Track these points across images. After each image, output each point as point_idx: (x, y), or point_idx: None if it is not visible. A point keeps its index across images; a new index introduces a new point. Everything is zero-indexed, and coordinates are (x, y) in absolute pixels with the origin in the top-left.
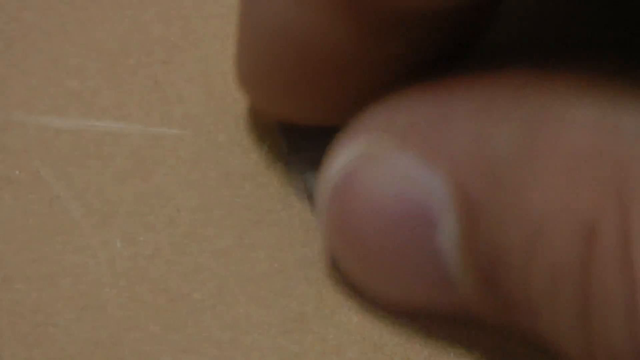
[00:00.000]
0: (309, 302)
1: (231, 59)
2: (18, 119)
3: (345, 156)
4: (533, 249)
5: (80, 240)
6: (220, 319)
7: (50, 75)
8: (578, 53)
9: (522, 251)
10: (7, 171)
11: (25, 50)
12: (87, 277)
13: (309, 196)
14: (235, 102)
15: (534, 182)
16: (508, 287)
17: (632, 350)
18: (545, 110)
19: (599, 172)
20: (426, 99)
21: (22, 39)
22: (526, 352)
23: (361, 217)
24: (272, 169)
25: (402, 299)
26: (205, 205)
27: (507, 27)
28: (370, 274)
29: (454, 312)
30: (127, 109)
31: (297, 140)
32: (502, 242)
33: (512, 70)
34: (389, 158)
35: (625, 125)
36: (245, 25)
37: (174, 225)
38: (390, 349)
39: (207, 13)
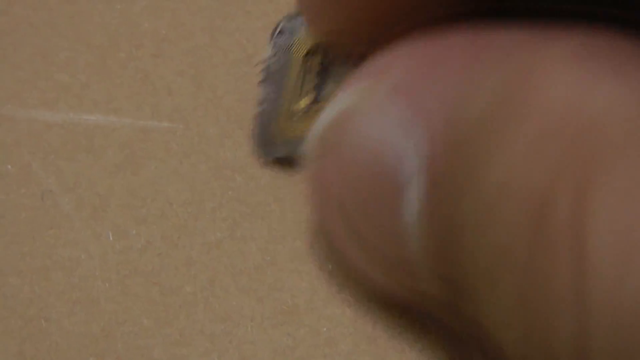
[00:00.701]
0: (301, 295)
1: (221, 52)
2: (8, 113)
3: (340, 99)
4: (485, 225)
5: (71, 233)
6: (212, 311)
7: (40, 69)
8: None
9: (475, 226)
10: None
11: (15, 44)
12: (79, 270)
13: None
14: (225, 95)
15: (499, 152)
16: (459, 267)
17: (574, 341)
18: (527, 72)
19: (563, 143)
20: (424, 48)
21: (11, 33)
22: None
23: (339, 164)
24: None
25: (367, 272)
26: (196, 198)
27: None
28: (341, 237)
29: (413, 297)
30: (117, 102)
31: (270, 150)
32: (459, 217)
33: (504, 27)
34: (377, 107)
35: (603, 93)
36: None
37: (165, 218)
38: (383, 341)
39: (196, 6)
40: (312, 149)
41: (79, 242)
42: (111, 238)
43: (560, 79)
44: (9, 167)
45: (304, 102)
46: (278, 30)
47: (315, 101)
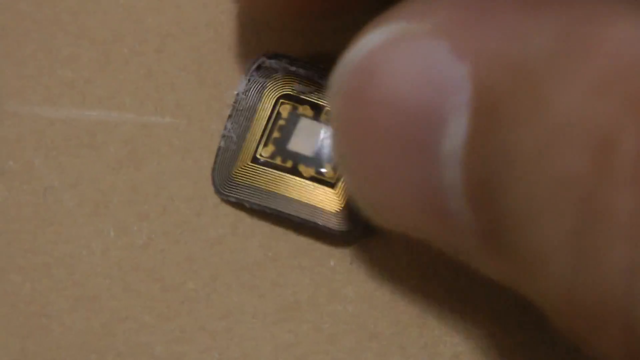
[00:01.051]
0: (303, 291)
1: (225, 47)
2: (11, 109)
3: (372, 36)
4: (542, 158)
5: (73, 230)
6: (214, 308)
7: (43, 65)
8: None
9: (530, 160)
10: (0, 161)
11: (18, 40)
12: (80, 267)
13: None
14: (228, 91)
15: (561, 88)
16: (503, 204)
17: (626, 278)
18: (590, 16)
19: (629, 88)
20: None
21: (15, 28)
22: (523, 341)
23: (374, 103)
24: None
25: (393, 213)
26: (199, 194)
27: None
28: (368, 173)
29: (439, 239)
30: (120, 98)
31: (229, 192)
32: (512, 149)
33: None
34: (416, 43)
35: None
36: None
37: (167, 214)
38: (386, 338)
39: (200, 1)
40: (341, 84)
41: (81, 238)
42: (113, 234)
43: (626, 23)
44: (11, 163)
45: (267, 151)
46: (256, 65)
47: (276, 155)
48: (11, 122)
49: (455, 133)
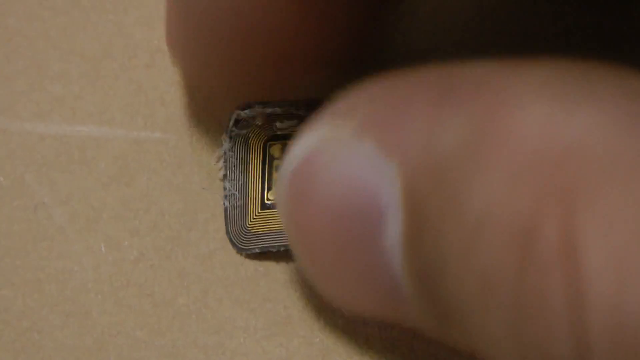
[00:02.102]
0: (294, 306)
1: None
2: (1, 125)
3: (306, 141)
4: (469, 252)
5: (65, 245)
6: (205, 323)
7: (33, 81)
8: (533, 47)
9: (459, 254)
10: None
11: (8, 55)
12: (72, 282)
13: None
14: (219, 105)
15: (478, 181)
16: (445, 294)
17: None
18: (498, 105)
19: (544, 171)
20: (389, 86)
21: (4, 44)
22: None
23: (313, 206)
24: None
25: (352, 302)
26: (190, 209)
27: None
28: (321, 270)
29: (400, 321)
30: (110, 113)
31: (249, 245)
32: (442, 244)
33: (472, 63)
34: (345, 146)
35: (578, 120)
36: None
37: (158, 229)
38: (377, 352)
39: None
40: (283, 192)
41: (72, 254)
42: (104, 250)
43: (534, 110)
44: (2, 179)
45: (273, 194)
46: (232, 121)
47: None
48: (1, 138)
49: (393, 229)
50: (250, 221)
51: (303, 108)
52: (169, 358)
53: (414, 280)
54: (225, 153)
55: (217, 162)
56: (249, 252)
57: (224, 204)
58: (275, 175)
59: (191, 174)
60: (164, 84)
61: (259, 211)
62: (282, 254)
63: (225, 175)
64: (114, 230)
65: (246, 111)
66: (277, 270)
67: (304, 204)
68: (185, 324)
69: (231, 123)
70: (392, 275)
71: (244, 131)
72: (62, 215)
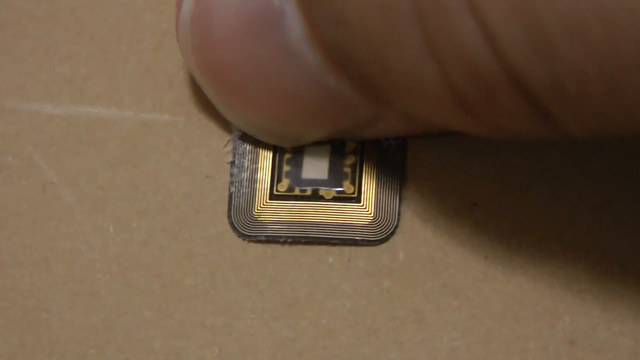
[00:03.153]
0: (301, 287)
1: None
2: (10, 106)
3: None
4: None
5: (73, 226)
6: (212, 304)
7: (42, 62)
8: None
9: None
10: (0, 157)
11: (17, 37)
12: (80, 262)
13: None
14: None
15: None
16: (351, 46)
17: None
18: None
19: None
20: None
21: (13, 25)
22: (520, 334)
23: (216, 26)
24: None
25: (278, 117)
26: (198, 191)
27: None
28: (241, 95)
29: (324, 119)
30: (119, 95)
31: (252, 233)
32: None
33: None
34: None
35: None
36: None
37: (166, 211)
38: (383, 334)
39: None
40: (186, 25)
41: (80, 234)
42: (112, 230)
43: None
44: (10, 159)
45: (283, 186)
46: None
47: (293, 186)
48: (10, 118)
49: (293, 20)
50: (257, 209)
51: None
52: (176, 338)
53: (331, 61)
54: (235, 140)
55: (225, 146)
56: (253, 240)
57: (229, 189)
58: (285, 167)
59: (199, 156)
60: (173, 67)
61: (267, 200)
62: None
63: (232, 162)
64: (122, 211)
65: None
66: (284, 252)
67: (206, 27)
68: (192, 304)
69: None
70: (309, 68)
71: None
72: (71, 195)
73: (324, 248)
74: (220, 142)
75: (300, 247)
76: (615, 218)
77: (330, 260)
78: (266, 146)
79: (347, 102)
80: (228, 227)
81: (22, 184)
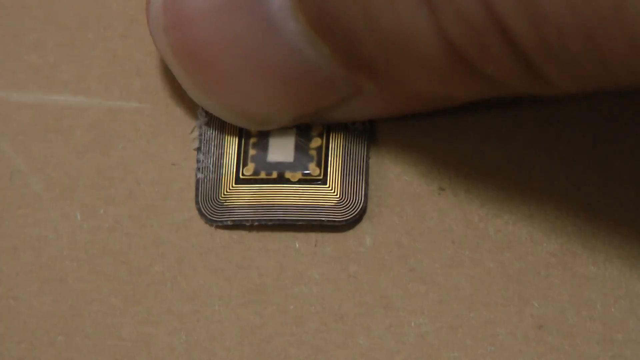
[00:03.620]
0: (269, 273)
1: None
2: None
3: None
4: None
5: (40, 213)
6: (180, 290)
7: (9, 50)
8: None
9: None
10: None
11: None
12: (47, 250)
13: None
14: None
15: None
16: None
17: None
18: None
19: None
20: None
21: None
22: (488, 319)
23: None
24: None
25: (262, 99)
26: (165, 177)
27: None
28: (222, 78)
29: (297, 90)
30: (86, 82)
31: (219, 217)
32: None
33: None
34: None
35: None
36: None
37: (133, 198)
38: (351, 319)
39: None
40: (159, 16)
41: (48, 221)
42: (79, 218)
43: None
44: None
45: (249, 170)
46: None
47: (259, 170)
48: None
49: None
50: (224, 194)
51: None
52: (144, 325)
53: (315, 27)
54: (201, 127)
55: (191, 132)
56: (220, 225)
57: (196, 175)
58: (251, 151)
59: (166, 143)
60: (140, 54)
61: (233, 185)
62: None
63: (199, 148)
64: (89, 199)
65: None
66: (251, 238)
67: (180, 3)
68: (160, 291)
69: None
70: (290, 39)
71: None
72: (38, 183)
73: (290, 234)
74: (187, 129)
75: (267, 233)
76: (584, 202)
77: (297, 245)
78: (232, 131)
79: (326, 76)
80: (195, 213)
81: None
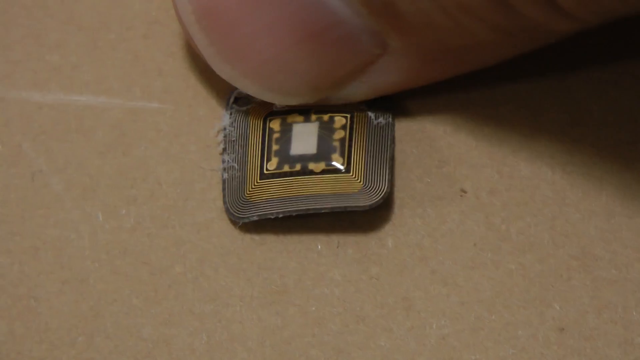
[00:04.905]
0: (290, 275)
1: None
2: None
3: None
4: None
5: (61, 214)
6: (201, 291)
7: (31, 51)
8: None
9: None
10: None
11: (6, 25)
12: (68, 250)
13: None
14: (215, 75)
15: None
16: None
17: None
18: None
19: None
20: None
21: (2, 14)
22: (509, 322)
23: None
24: None
25: (263, 62)
26: (186, 178)
27: None
28: (231, 37)
29: (321, 49)
30: (107, 83)
31: (246, 214)
32: None
33: None
34: None
35: None
36: None
37: (154, 198)
38: (372, 321)
39: None
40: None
41: (69, 222)
42: (101, 218)
43: None
44: (0, 147)
45: (272, 164)
46: (232, 98)
47: (282, 164)
48: None
49: None
50: (249, 191)
51: None
52: (165, 325)
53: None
54: (225, 128)
55: (217, 135)
56: (245, 221)
57: (222, 175)
58: (274, 147)
59: (188, 143)
60: (161, 55)
61: (258, 181)
62: (278, 224)
63: (224, 149)
64: (111, 199)
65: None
66: (273, 240)
67: None
68: (181, 292)
69: (231, 100)
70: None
71: (244, 108)
72: (59, 183)
73: (312, 235)
74: (208, 129)
75: (288, 235)
76: (605, 205)
77: (319, 247)
78: (255, 129)
79: (351, 31)
80: (217, 214)
81: (11, 172)
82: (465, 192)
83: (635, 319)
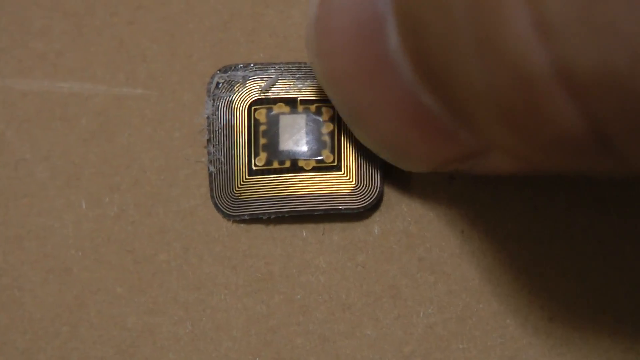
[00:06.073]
0: (275, 262)
1: (196, 18)
2: None
3: None
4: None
5: (45, 202)
6: (185, 279)
7: (15, 38)
8: None
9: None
10: None
11: None
12: (52, 239)
13: None
14: (200, 62)
15: None
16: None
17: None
18: None
19: None
20: None
21: None
22: (497, 310)
23: (335, 27)
24: None
25: (372, 122)
26: (171, 165)
27: None
28: (349, 104)
29: (420, 135)
30: (92, 70)
31: (235, 212)
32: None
33: None
34: None
35: None
36: None
37: (139, 185)
38: (358, 309)
39: None
40: (311, 31)
41: (53, 210)
42: (85, 206)
43: None
44: None
45: (261, 160)
46: (214, 83)
47: (271, 160)
48: None
49: (391, 30)
50: (238, 188)
51: (284, 70)
52: (149, 314)
53: (419, 73)
54: (208, 117)
55: (200, 130)
56: (237, 219)
57: (208, 168)
58: (262, 140)
59: (172, 130)
60: (146, 41)
61: (247, 177)
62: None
63: (208, 140)
64: (94, 187)
65: (226, 74)
66: (258, 227)
67: (327, 31)
68: (165, 280)
69: (212, 86)
70: (406, 81)
71: (227, 94)
72: (43, 171)
73: (297, 222)
74: (193, 115)
75: (274, 222)
76: (593, 196)
77: (304, 234)
78: (240, 119)
79: (445, 125)
80: (201, 201)
81: None
82: (453, 178)
83: (624, 308)
